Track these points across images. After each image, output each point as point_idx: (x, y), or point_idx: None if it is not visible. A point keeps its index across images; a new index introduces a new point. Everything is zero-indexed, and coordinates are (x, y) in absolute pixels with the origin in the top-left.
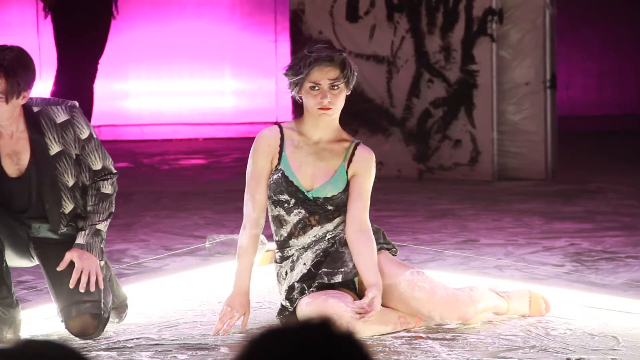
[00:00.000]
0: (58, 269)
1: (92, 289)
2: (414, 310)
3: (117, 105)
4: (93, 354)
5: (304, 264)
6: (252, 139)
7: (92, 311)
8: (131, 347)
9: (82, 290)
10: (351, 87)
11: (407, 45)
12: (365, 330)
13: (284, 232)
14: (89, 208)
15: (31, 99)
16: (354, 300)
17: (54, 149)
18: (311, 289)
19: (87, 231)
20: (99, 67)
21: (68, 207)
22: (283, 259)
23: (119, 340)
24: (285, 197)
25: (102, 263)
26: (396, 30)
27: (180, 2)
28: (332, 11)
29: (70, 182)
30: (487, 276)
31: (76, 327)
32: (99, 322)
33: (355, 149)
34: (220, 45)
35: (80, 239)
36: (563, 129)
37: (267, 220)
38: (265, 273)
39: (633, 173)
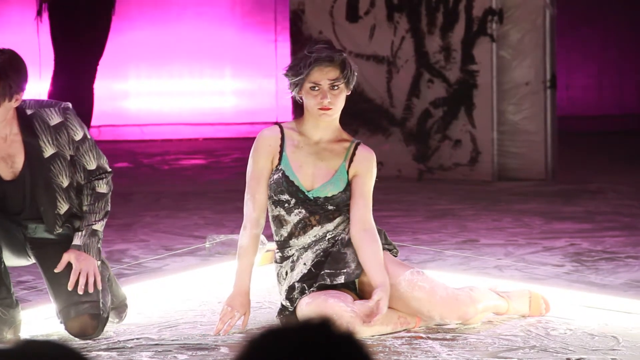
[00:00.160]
0: (56, 270)
1: (91, 290)
2: (414, 310)
3: (117, 105)
4: (93, 354)
5: (304, 264)
6: (252, 139)
7: (91, 311)
8: (131, 347)
9: (80, 292)
10: (351, 87)
11: (407, 45)
12: (366, 331)
13: (284, 232)
14: (84, 208)
15: (24, 101)
16: (354, 300)
17: (48, 151)
18: (311, 289)
19: (83, 232)
20: (99, 67)
21: (63, 207)
22: (283, 259)
23: (119, 340)
24: (285, 197)
25: (100, 263)
26: (396, 30)
27: (181, 2)
28: (332, 11)
29: (65, 183)
30: (487, 276)
31: (75, 327)
32: (98, 322)
33: (356, 149)
34: (220, 45)
35: (77, 240)
36: (563, 129)
37: (267, 220)
38: (265, 273)
39: (633, 173)
